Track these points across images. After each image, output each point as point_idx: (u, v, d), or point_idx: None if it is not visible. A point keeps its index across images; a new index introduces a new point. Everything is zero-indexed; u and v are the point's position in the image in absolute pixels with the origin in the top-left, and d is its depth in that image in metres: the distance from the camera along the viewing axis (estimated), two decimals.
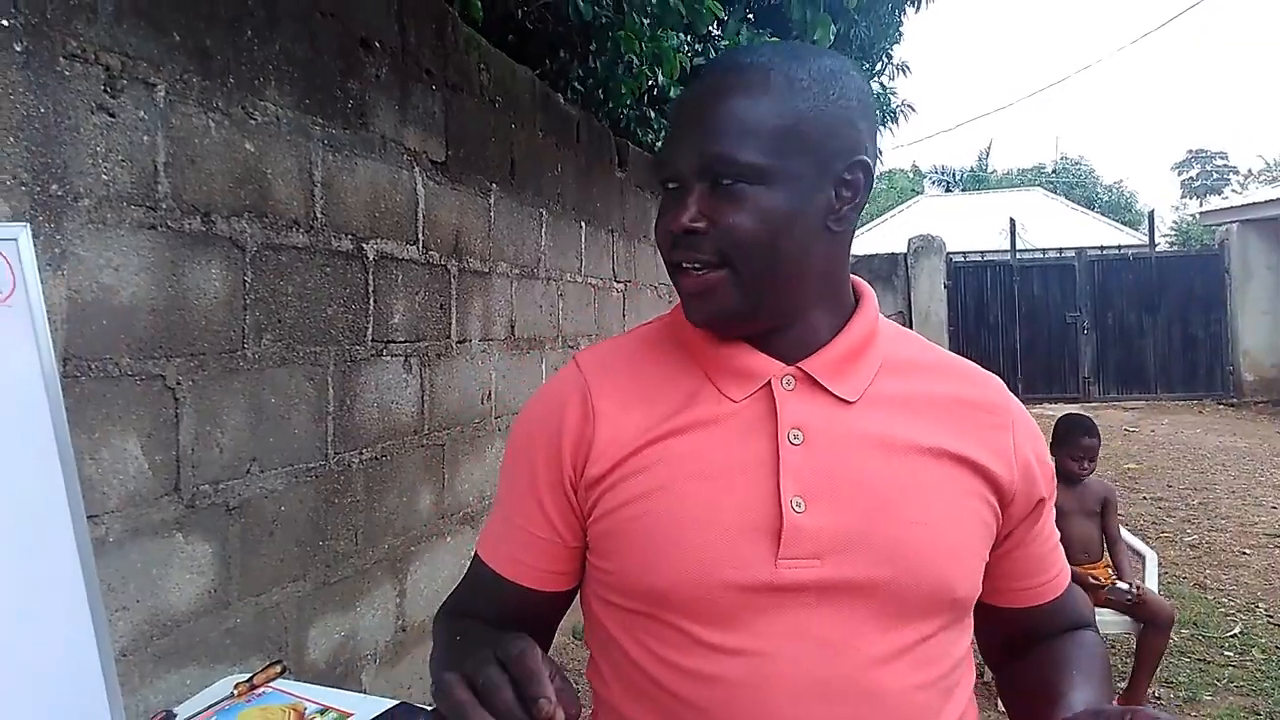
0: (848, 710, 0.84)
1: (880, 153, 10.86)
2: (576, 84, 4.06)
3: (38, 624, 1.34)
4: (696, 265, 0.88)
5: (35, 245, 1.40)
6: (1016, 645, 1.03)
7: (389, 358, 2.60)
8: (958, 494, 0.89)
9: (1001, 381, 0.98)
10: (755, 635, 0.85)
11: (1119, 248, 13.96)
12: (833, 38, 3.74)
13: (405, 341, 2.67)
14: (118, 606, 1.72)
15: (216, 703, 1.63)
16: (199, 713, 1.61)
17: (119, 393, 1.73)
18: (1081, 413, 3.83)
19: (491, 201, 3.23)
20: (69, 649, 1.38)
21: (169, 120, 1.83)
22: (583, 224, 4.08)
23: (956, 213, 21.99)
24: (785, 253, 0.87)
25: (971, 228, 18.47)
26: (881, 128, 10.34)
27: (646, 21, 3.64)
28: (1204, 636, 4.13)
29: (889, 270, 13.86)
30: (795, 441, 0.87)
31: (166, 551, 1.84)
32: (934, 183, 37.52)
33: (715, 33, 6.02)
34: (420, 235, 2.74)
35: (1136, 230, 24.20)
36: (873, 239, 20.12)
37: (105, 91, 1.69)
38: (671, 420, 0.90)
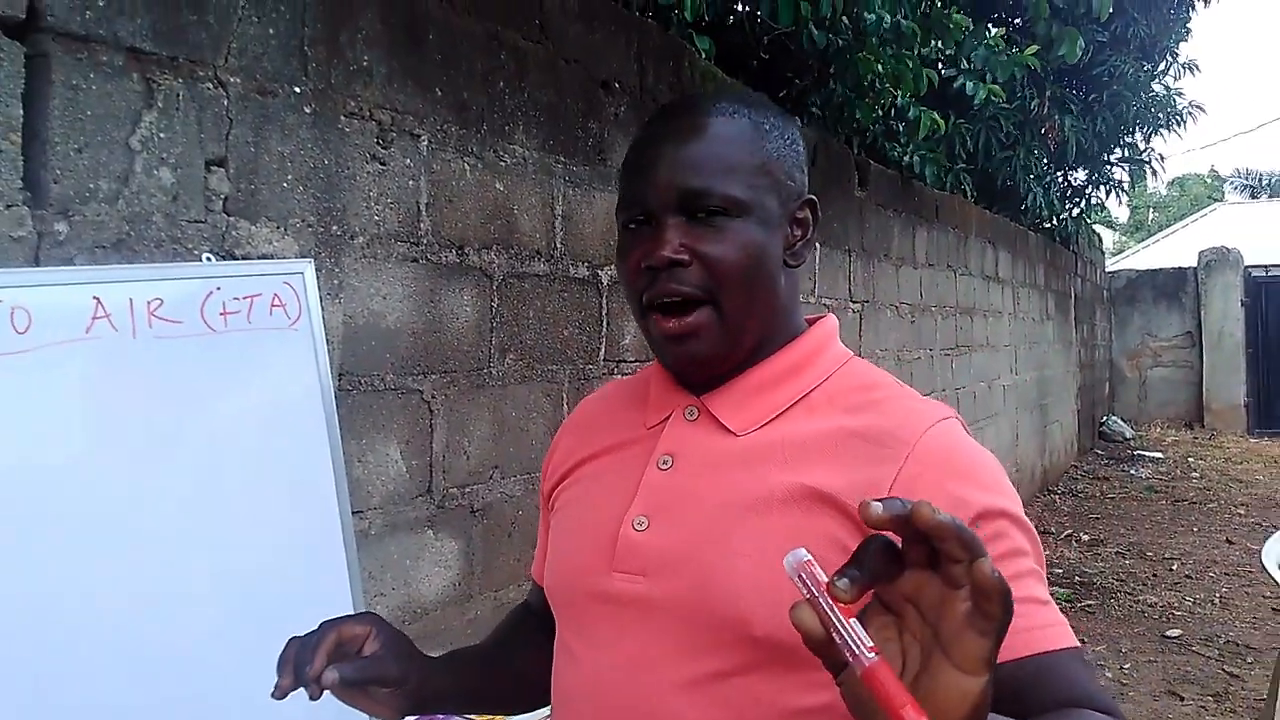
0: None
1: (1163, 158, 10.00)
2: (814, 108, 4.09)
3: (308, 603, 1.58)
4: (677, 301, 0.87)
5: (318, 278, 1.66)
6: None
7: (619, 376, 2.76)
8: (799, 532, 0.80)
9: (940, 416, 0.87)
10: (593, 643, 0.91)
11: None
12: (1078, 53, 3.56)
13: (635, 362, 2.83)
14: (376, 593, 1.96)
15: None
16: None
17: (383, 404, 1.98)
18: None
19: None
20: None
21: (431, 166, 2.08)
22: (817, 245, 4.10)
23: (1261, 221, 19.67)
24: (761, 285, 0.89)
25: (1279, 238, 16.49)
26: (1165, 130, 9.51)
27: (884, 41, 3.63)
28: None
29: (1175, 287, 12.69)
30: (663, 466, 0.91)
31: (419, 546, 2.08)
32: (1236, 188, 33.75)
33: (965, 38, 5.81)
34: None
35: None
36: (1158, 252, 18.42)
37: (378, 143, 1.95)
38: (599, 444, 1.00)
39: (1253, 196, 31.09)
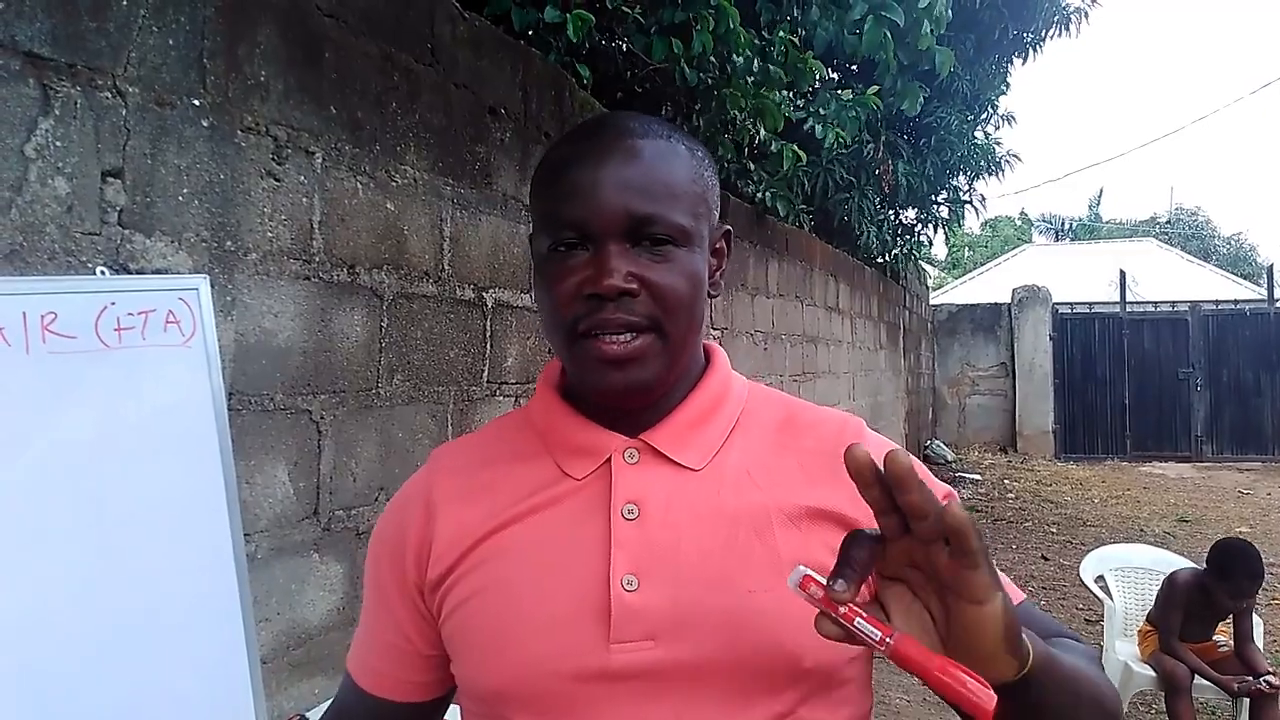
0: None
1: (984, 199, 10.80)
2: None
3: (200, 630, 1.53)
4: (621, 331, 0.81)
5: (212, 294, 1.62)
6: None
7: (501, 398, 2.78)
8: (808, 553, 0.79)
9: (860, 422, 0.92)
10: None
11: (1235, 302, 13.45)
12: (919, 106, 3.90)
13: (516, 383, 2.86)
14: (261, 618, 1.91)
15: None
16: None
17: (273, 425, 1.94)
18: (1247, 543, 3.41)
19: None
20: (224, 653, 1.57)
21: (324, 184, 2.06)
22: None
23: (1065, 262, 21.48)
24: (698, 315, 0.86)
25: (1080, 278, 18.03)
26: (986, 177, 10.30)
27: (750, 81, 3.81)
28: None
29: (992, 321, 13.65)
30: (629, 517, 0.82)
31: (305, 570, 2.04)
32: (1042, 231, 36.65)
33: (818, 86, 6.15)
34: (533, 285, 2.94)
35: (1259, 284, 23.25)
36: (976, 288, 19.80)
37: (273, 159, 1.92)
38: (512, 508, 0.86)
39: (1056, 239, 33.87)
